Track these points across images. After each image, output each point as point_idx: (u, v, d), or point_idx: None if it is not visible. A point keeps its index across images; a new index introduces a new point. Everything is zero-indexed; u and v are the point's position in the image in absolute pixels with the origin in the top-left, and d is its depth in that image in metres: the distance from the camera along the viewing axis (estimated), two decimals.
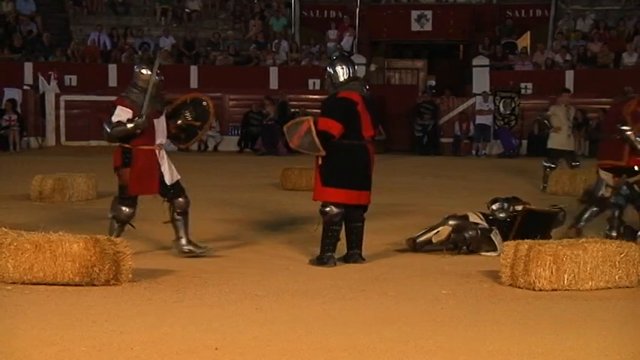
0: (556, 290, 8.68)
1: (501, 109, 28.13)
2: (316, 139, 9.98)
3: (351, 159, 10.01)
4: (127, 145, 10.26)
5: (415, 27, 31.24)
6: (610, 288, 8.79)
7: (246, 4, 32.47)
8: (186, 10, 32.28)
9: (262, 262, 10.37)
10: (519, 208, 11.35)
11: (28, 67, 29.15)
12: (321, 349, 6.72)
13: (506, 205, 11.33)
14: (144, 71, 10.55)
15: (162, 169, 10.42)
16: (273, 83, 29.50)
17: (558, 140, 17.81)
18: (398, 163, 24.74)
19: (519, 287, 8.83)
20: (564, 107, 18.15)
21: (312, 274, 9.76)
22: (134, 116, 10.19)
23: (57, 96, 28.55)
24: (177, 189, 10.50)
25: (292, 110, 28.60)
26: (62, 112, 28.47)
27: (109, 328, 7.23)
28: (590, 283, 8.77)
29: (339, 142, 9.97)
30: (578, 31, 30.60)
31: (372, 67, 11.95)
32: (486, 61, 29.27)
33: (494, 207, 11.32)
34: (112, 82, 29.35)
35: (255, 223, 13.13)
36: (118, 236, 10.08)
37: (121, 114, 10.26)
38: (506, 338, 7.09)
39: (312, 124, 10.09)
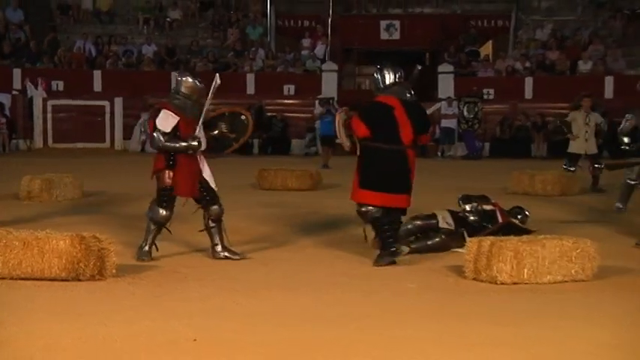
0: (516, 284, 8.72)
1: (465, 113, 28.23)
2: (339, 132, 9.99)
3: (388, 163, 9.74)
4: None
5: (384, 36, 31.36)
6: (567, 281, 8.84)
7: (224, 14, 32.45)
8: (168, 19, 32.24)
9: (235, 260, 10.33)
10: (488, 207, 11.26)
11: (17, 72, 29.03)
12: (295, 340, 6.72)
13: (476, 205, 11.22)
14: (189, 79, 10.31)
15: (205, 175, 10.21)
16: (250, 89, 29.51)
17: (576, 144, 17.68)
18: None
19: (482, 281, 8.86)
20: (584, 113, 17.93)
21: (286, 269, 9.76)
22: (181, 122, 9.93)
23: (44, 100, 28.44)
24: (212, 196, 10.29)
25: (268, 115, 28.62)
26: (49, 115, 28.36)
27: (94, 322, 7.20)
28: (548, 277, 8.82)
29: (377, 146, 9.73)
30: (537, 40, 30.78)
31: (419, 67, 11.25)
32: (451, 68, 29.39)
33: (467, 207, 11.17)
34: (97, 87, 29.32)
35: (235, 222, 13.10)
36: (154, 239, 10.03)
37: (167, 118, 9.93)
38: (470, 329, 7.11)
39: (339, 117, 10.03)
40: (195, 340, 6.65)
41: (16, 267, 8.62)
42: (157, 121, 9.96)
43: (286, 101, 29.16)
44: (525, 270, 8.77)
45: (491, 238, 9.14)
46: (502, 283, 8.73)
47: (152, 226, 10.07)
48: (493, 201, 11.47)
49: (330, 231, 12.06)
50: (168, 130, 9.90)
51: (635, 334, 7.00)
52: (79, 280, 8.62)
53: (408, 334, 6.95)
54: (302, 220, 13.31)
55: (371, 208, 9.79)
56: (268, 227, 12.49)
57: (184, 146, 9.93)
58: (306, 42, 31.30)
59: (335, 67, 29.83)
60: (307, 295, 8.43)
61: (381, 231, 9.82)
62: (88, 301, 7.95)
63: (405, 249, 10.12)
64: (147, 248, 10.02)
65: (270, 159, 22.31)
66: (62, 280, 8.57)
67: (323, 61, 30.35)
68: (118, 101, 28.55)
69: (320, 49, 30.90)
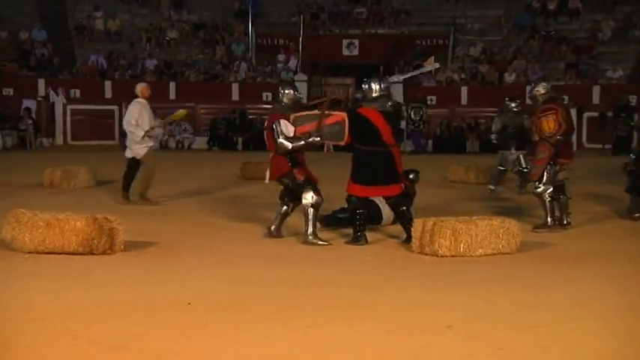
0: (454, 256, 8.75)
1: (412, 116, 28.20)
2: (346, 130, 9.65)
3: (372, 161, 9.57)
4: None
5: (346, 52, 31.33)
6: (495, 254, 8.89)
7: (213, 34, 32.29)
8: (166, 37, 32.04)
9: (225, 236, 10.31)
10: None
11: (41, 82, 28.80)
12: (273, 304, 6.72)
13: None
14: (288, 91, 9.98)
15: None
16: (235, 96, 29.39)
17: None
18: (333, 159, 24.75)
19: (426, 254, 8.89)
20: None
21: (264, 244, 9.74)
22: (297, 133, 9.60)
23: (64, 105, 28.25)
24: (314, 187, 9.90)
25: (250, 117, 28.55)
26: (68, 118, 28.19)
27: (105, 288, 7.18)
28: (480, 251, 8.86)
29: (364, 149, 9.57)
30: (471, 55, 30.85)
31: (429, 68, 10.68)
32: (401, 79, 29.39)
33: None
34: (108, 94, 29.10)
35: (220, 205, 13.08)
36: (315, 220, 9.57)
37: (287, 126, 9.62)
38: (417, 293, 7.14)
39: (345, 117, 9.72)
40: (189, 303, 6.64)
41: (40, 243, 8.58)
42: (280, 129, 9.62)
43: (265, 106, 28.91)
44: (461, 245, 8.80)
45: (434, 218, 9.14)
46: (442, 256, 8.76)
47: (311, 212, 9.60)
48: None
49: (300, 213, 12.03)
50: (291, 134, 9.64)
51: (549, 295, 7.05)
52: (93, 254, 8.59)
53: (366, 298, 6.97)
54: (277, 204, 13.26)
55: (354, 198, 9.73)
56: (250, 209, 12.47)
57: (310, 141, 9.65)
58: (281, 57, 31.22)
59: (305, 77, 29.74)
60: (281, 266, 8.43)
61: (356, 218, 9.70)
62: (100, 272, 7.91)
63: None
64: (311, 229, 9.62)
65: (251, 154, 22.20)
66: (79, 254, 8.53)
67: (295, 72, 30.27)
68: (125, 106, 28.42)
69: (292, 63, 30.84)
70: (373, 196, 9.88)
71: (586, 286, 7.48)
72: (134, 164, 13.05)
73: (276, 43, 32.13)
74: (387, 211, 10.92)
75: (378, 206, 10.91)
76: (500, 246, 8.96)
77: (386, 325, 6.06)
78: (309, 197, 9.64)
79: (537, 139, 10.84)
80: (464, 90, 29.20)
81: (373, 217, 10.85)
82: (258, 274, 8.02)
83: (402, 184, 9.88)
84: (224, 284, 7.46)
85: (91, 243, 8.60)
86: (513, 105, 13.94)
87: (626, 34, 30.23)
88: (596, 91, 28.03)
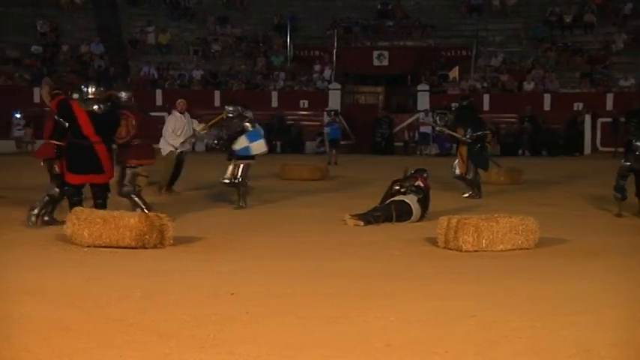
0: (477, 251, 8.69)
1: (438, 121, 28.06)
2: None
3: (79, 153, 9.78)
4: (58, 143, 9.92)
5: (376, 62, 31.25)
6: (515, 249, 8.81)
7: (254, 46, 32.41)
8: (212, 50, 32.21)
9: (263, 232, 10.32)
10: (416, 183, 11.24)
11: None
12: (310, 293, 6.71)
13: (410, 185, 11.18)
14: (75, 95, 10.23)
15: None
16: (274, 103, 29.46)
17: None
18: (363, 161, 24.73)
19: (450, 249, 8.83)
20: None
21: (299, 239, 9.71)
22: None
23: None
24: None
25: (288, 122, 28.60)
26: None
27: (156, 279, 7.20)
28: (500, 246, 8.79)
29: (72, 141, 9.77)
30: (492, 65, 30.67)
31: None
32: (427, 87, 29.27)
33: (396, 187, 11.17)
34: (159, 102, 29.31)
35: (260, 203, 13.09)
36: (46, 208, 10.02)
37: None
38: (442, 285, 7.10)
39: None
40: (232, 294, 6.65)
41: (97, 238, 8.64)
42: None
43: (301, 112, 29.13)
44: (484, 240, 8.74)
45: (458, 216, 9.09)
46: (466, 251, 8.70)
47: (46, 199, 10.07)
48: (416, 175, 11.47)
49: (335, 210, 12.02)
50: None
51: (565, 287, 6.98)
52: (145, 248, 8.63)
53: (395, 289, 6.94)
54: (314, 202, 13.28)
55: (71, 187, 9.82)
56: (287, 207, 12.47)
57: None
58: (316, 67, 31.23)
59: (338, 86, 29.74)
60: (316, 259, 8.41)
61: (73, 205, 9.64)
62: (151, 264, 7.95)
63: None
64: (36, 212, 10.05)
65: (289, 156, 22.21)
66: (132, 248, 8.58)
67: (329, 81, 30.29)
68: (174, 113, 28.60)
69: (327, 73, 30.83)
70: (85, 182, 9.93)
71: (600, 279, 7.39)
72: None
73: (312, 54, 32.15)
74: (416, 208, 10.90)
75: (408, 204, 10.89)
76: (520, 242, 8.89)
77: (415, 314, 6.03)
78: (50, 189, 10.00)
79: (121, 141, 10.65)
80: (486, 97, 29.02)
81: (403, 214, 10.81)
82: (294, 266, 8.02)
83: (110, 176, 10.03)
84: (264, 276, 7.46)
85: (143, 238, 8.64)
86: (231, 109, 13.83)
87: (637, 46, 29.91)
88: (610, 98, 27.78)
